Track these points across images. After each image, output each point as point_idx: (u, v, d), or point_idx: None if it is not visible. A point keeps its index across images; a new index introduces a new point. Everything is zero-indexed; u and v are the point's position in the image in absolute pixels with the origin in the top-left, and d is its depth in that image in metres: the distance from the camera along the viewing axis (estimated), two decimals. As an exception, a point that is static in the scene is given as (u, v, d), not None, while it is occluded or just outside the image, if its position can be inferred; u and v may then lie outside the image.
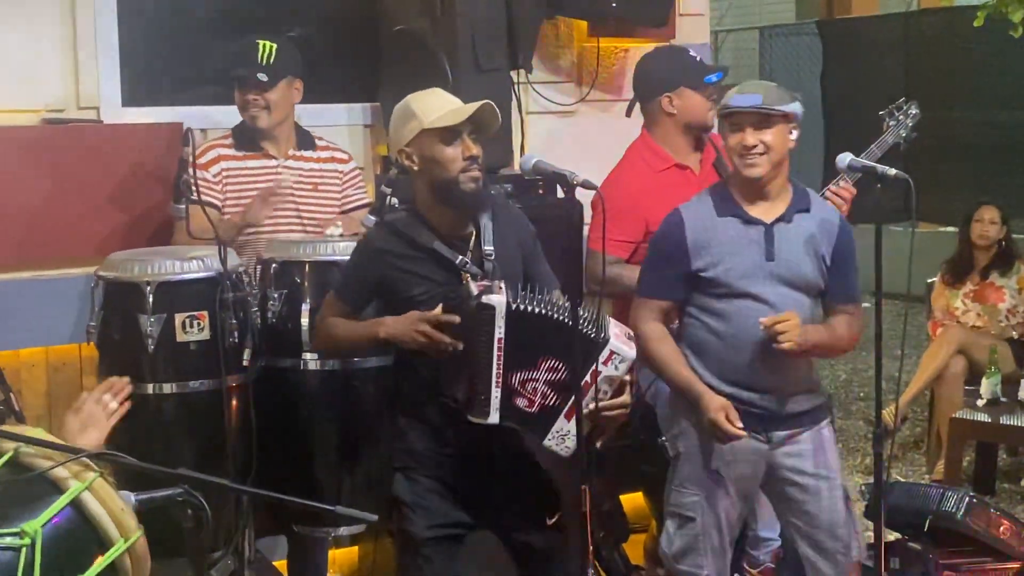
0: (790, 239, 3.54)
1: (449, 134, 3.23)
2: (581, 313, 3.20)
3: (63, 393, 4.14)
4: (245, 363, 3.61)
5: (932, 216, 9.17)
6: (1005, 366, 5.98)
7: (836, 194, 4.03)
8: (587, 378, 3.19)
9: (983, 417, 5.71)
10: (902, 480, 5.82)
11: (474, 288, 3.17)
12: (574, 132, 5.17)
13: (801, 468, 3.62)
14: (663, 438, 3.72)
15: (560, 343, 3.17)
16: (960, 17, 10.07)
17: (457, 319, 3.15)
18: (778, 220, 3.55)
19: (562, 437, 3.21)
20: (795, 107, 3.51)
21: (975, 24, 7.97)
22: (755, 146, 3.46)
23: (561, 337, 3.16)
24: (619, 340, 3.23)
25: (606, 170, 4.21)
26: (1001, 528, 4.40)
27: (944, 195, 8.73)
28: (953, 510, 4.36)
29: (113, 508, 2.34)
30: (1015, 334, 6.26)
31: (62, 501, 2.29)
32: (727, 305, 3.53)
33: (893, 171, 3.46)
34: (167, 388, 3.56)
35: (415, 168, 3.28)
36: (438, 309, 3.19)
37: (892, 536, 4.38)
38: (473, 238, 3.33)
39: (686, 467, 3.64)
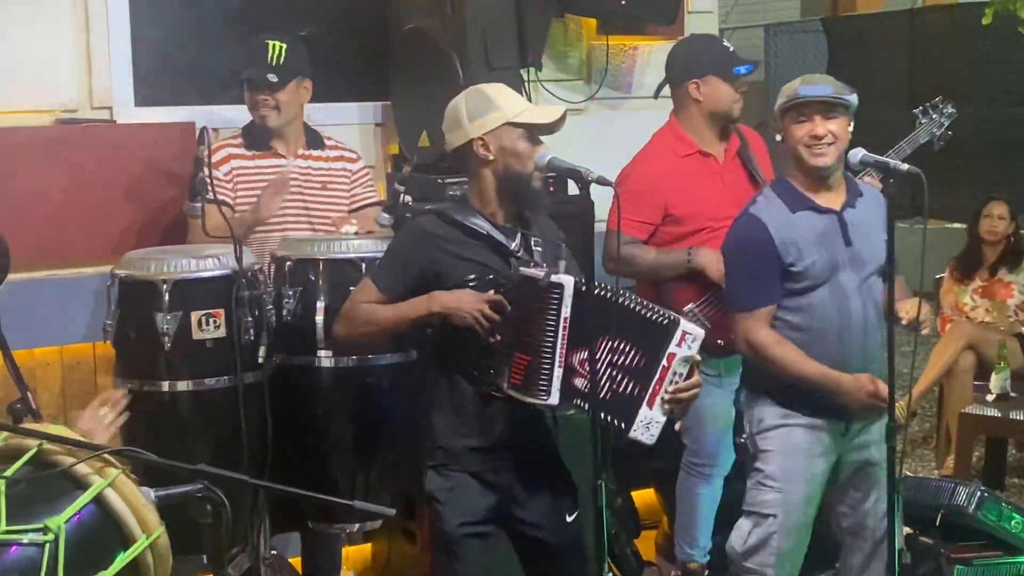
0: (859, 224, 3.59)
1: (531, 132, 3.31)
2: (628, 292, 3.24)
3: (78, 392, 4.16)
4: (260, 360, 3.62)
5: (940, 212, 9.16)
6: (1014, 361, 5.98)
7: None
8: (663, 362, 3.18)
9: (993, 412, 5.72)
10: (911, 475, 5.83)
11: (536, 271, 3.20)
12: (583, 129, 5.16)
13: (868, 458, 3.65)
14: (743, 436, 3.71)
15: (623, 326, 3.17)
16: (965, 13, 10.06)
17: (508, 305, 3.19)
18: (845, 207, 3.60)
19: (647, 426, 3.20)
20: (855, 99, 3.58)
21: (983, 21, 7.97)
22: (824, 136, 3.50)
23: (624, 320, 3.17)
24: (687, 320, 3.24)
25: (615, 167, 4.22)
26: (1012, 522, 4.41)
27: (952, 191, 8.73)
28: (964, 504, 4.37)
29: (135, 504, 2.35)
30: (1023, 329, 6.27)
31: (85, 497, 2.31)
32: (807, 299, 3.56)
33: (905, 166, 3.47)
34: (183, 386, 3.58)
35: (488, 157, 3.30)
36: (490, 292, 3.23)
37: (904, 530, 4.38)
38: (520, 228, 3.37)
39: (769, 464, 3.64)
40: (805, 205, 3.58)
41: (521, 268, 3.26)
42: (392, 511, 2.63)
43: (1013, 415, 5.66)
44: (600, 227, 4.08)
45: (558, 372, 3.16)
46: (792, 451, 3.61)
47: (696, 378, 3.26)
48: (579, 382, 3.19)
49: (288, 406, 3.73)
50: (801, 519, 3.65)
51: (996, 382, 5.77)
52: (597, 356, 3.14)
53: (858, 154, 3.53)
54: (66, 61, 4.27)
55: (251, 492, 3.61)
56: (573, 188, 4.64)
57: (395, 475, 3.91)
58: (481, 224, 3.32)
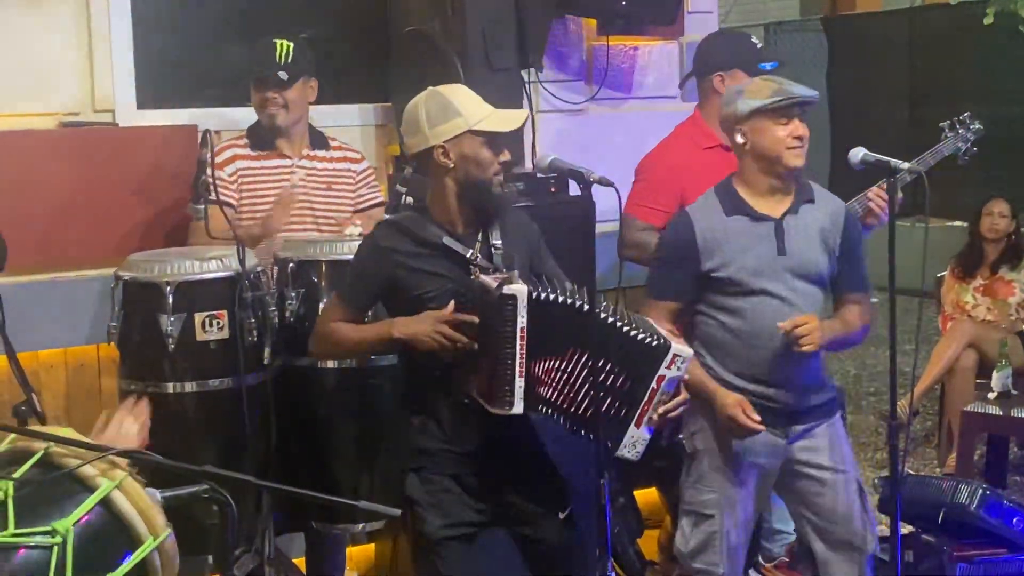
0: (799, 232, 3.56)
1: (493, 138, 3.26)
2: (606, 305, 3.21)
3: (81, 394, 4.17)
4: (264, 362, 3.63)
5: (941, 211, 9.18)
6: (1016, 359, 5.99)
7: (878, 195, 4.00)
8: (653, 384, 3.17)
9: (994, 410, 5.72)
10: (913, 474, 5.84)
11: (491, 280, 3.17)
12: (584, 130, 5.19)
13: (817, 462, 3.64)
14: (681, 435, 3.73)
15: (602, 342, 3.15)
16: (965, 12, 10.07)
17: (475, 319, 3.15)
18: (786, 213, 3.57)
19: (634, 444, 3.21)
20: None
21: (985, 22, 7.99)
22: (804, 136, 3.50)
23: (603, 336, 3.15)
24: (677, 342, 3.22)
25: (616, 167, 4.23)
26: (1014, 520, 4.42)
27: (953, 190, 8.74)
28: (967, 502, 4.38)
29: (143, 506, 2.36)
30: (1025, 327, 6.29)
31: (92, 499, 2.31)
32: (742, 302, 3.54)
33: (906, 164, 3.48)
34: (187, 387, 3.59)
35: (449, 165, 3.25)
36: (450, 307, 3.18)
37: (906, 529, 4.40)
38: (480, 235, 3.33)
39: (704, 464, 3.65)
40: (741, 211, 3.56)
41: (478, 277, 3.22)
42: (397, 512, 2.63)
43: (1015, 413, 5.67)
44: (601, 228, 4.09)
45: (519, 382, 3.12)
46: (726, 453, 3.60)
47: (682, 395, 3.26)
48: (544, 391, 3.18)
49: (291, 407, 3.74)
50: (742, 516, 3.65)
51: (997, 380, 5.77)
52: (569, 369, 3.14)
53: (859, 153, 3.53)
54: (68, 64, 4.28)
55: (256, 493, 3.62)
56: (575, 188, 4.64)
57: (398, 475, 3.91)
58: (436, 233, 3.27)
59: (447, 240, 3.26)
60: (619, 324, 3.18)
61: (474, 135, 3.23)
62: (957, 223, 8.64)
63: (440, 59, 4.42)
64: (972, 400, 5.90)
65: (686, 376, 3.24)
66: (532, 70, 4.86)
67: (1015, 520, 4.39)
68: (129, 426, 2.79)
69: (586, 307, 3.15)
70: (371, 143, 4.87)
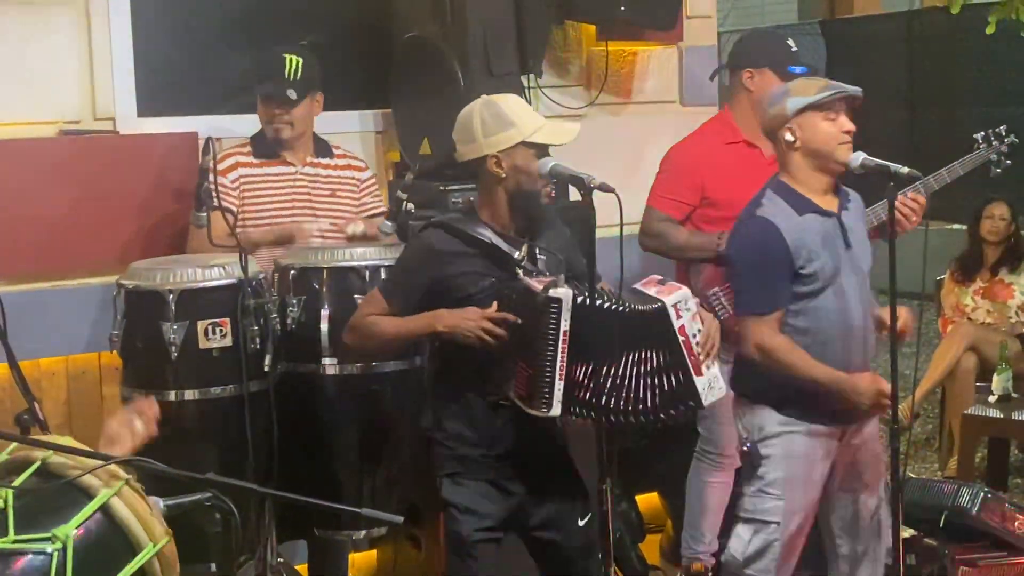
0: (853, 227, 3.62)
1: (544, 150, 3.33)
2: (605, 295, 3.27)
3: (83, 402, 4.18)
4: (266, 369, 3.64)
5: (940, 213, 9.17)
6: (1016, 362, 5.99)
7: (904, 204, 3.97)
8: (681, 338, 3.25)
9: (995, 413, 5.73)
10: (914, 477, 5.84)
11: (536, 283, 3.22)
12: (584, 136, 5.14)
13: (856, 460, 3.67)
14: (746, 444, 3.71)
15: (632, 334, 3.23)
16: (963, 14, 10.06)
17: (516, 319, 3.21)
18: (841, 209, 3.62)
19: (711, 387, 3.30)
20: None
21: (988, 31, 7.99)
22: (852, 131, 3.54)
23: (628, 328, 3.22)
24: (665, 294, 3.28)
25: (616, 172, 4.23)
26: (1016, 522, 4.42)
27: (952, 192, 8.73)
28: (968, 505, 4.38)
29: (142, 513, 2.37)
30: (1026, 330, 6.29)
31: (92, 506, 2.32)
32: (813, 302, 3.56)
33: (906, 169, 3.48)
34: (189, 395, 3.60)
35: (501, 175, 3.31)
36: (493, 306, 3.25)
37: (908, 532, 4.40)
38: (526, 240, 3.38)
39: (768, 471, 3.63)
40: (810, 208, 3.58)
41: (523, 279, 3.28)
42: (400, 519, 2.64)
43: (1015, 416, 5.67)
44: (601, 233, 4.10)
45: (559, 384, 3.18)
46: (793, 458, 3.61)
47: (708, 322, 3.32)
48: (582, 394, 3.23)
49: (293, 414, 3.74)
50: (801, 525, 3.66)
51: (998, 383, 5.78)
52: (613, 372, 3.20)
53: (859, 158, 3.54)
54: (68, 72, 4.28)
55: (258, 500, 3.62)
56: (575, 194, 4.64)
57: (400, 482, 3.93)
58: (485, 234, 3.33)
59: (496, 240, 3.32)
60: (623, 309, 3.25)
61: (527, 147, 3.30)
62: (956, 226, 8.63)
63: (440, 65, 4.42)
64: (973, 403, 5.91)
65: (694, 307, 3.29)
66: (532, 76, 4.86)
67: (1016, 523, 4.40)
68: (136, 423, 2.79)
69: (625, 310, 3.22)
70: (371, 149, 4.87)
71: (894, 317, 3.48)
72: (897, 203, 3.99)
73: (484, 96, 3.42)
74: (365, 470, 3.84)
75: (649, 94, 5.39)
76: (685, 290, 3.32)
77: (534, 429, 3.34)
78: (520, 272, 3.32)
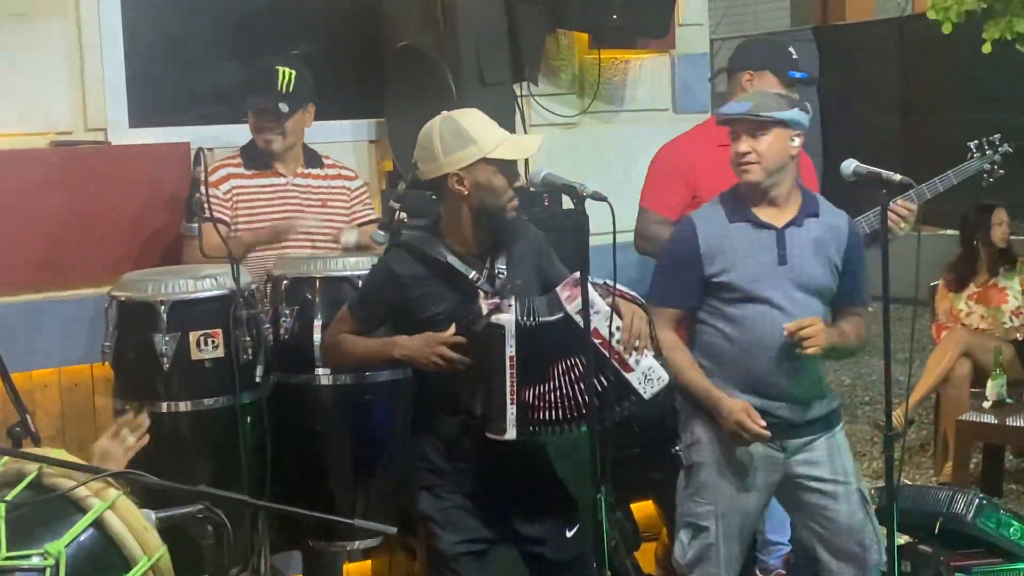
0: (802, 243, 3.57)
1: (507, 166, 3.30)
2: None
3: (76, 413, 4.17)
4: (259, 380, 3.63)
5: (932, 219, 9.18)
6: (1010, 368, 5.99)
7: (894, 210, 3.97)
8: (598, 340, 3.21)
9: (989, 419, 5.73)
10: (909, 484, 5.83)
11: (484, 307, 3.21)
12: (577, 144, 5.19)
13: (818, 475, 3.64)
14: (677, 447, 3.73)
15: (551, 345, 3.21)
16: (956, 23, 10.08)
17: (464, 340, 3.19)
18: (789, 224, 3.58)
19: (646, 379, 3.27)
20: (791, 114, 3.53)
21: (984, 50, 8.00)
22: (747, 153, 3.51)
23: (548, 340, 3.20)
24: (569, 301, 3.22)
25: (609, 180, 4.24)
26: (1011, 529, 4.42)
27: (944, 198, 8.74)
28: (963, 512, 4.38)
29: (136, 526, 2.36)
30: (1019, 335, 6.28)
31: (85, 521, 2.31)
32: (741, 311, 3.55)
33: (898, 176, 3.48)
34: (182, 406, 3.58)
35: (463, 192, 3.28)
36: (451, 330, 3.22)
37: (903, 539, 4.39)
38: (489, 259, 3.36)
39: (700, 477, 3.65)
40: (744, 217, 3.58)
41: (480, 302, 3.26)
42: (393, 529, 2.64)
43: (1010, 422, 5.67)
44: (594, 241, 4.10)
45: (511, 408, 3.19)
46: (722, 465, 3.61)
47: (629, 316, 3.27)
48: (538, 414, 3.23)
49: (287, 424, 3.74)
50: (738, 527, 3.66)
51: (992, 389, 5.78)
52: (556, 385, 3.20)
53: (850, 165, 3.54)
54: (60, 83, 4.28)
55: (251, 512, 3.62)
56: (568, 201, 4.64)
57: (395, 492, 3.91)
58: (443, 253, 3.31)
59: (452, 260, 3.30)
60: (531, 323, 3.21)
61: (488, 163, 3.26)
62: (948, 232, 8.64)
63: (433, 74, 4.42)
64: (967, 409, 5.91)
65: (606, 307, 3.24)
66: (524, 84, 4.86)
67: (1011, 529, 4.39)
68: (125, 435, 2.78)
69: (559, 314, 3.20)
70: (364, 159, 4.87)
71: (887, 322, 3.47)
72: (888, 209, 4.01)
73: (444, 112, 3.38)
74: (359, 480, 3.83)
75: (641, 102, 5.39)
76: (598, 298, 3.26)
77: (506, 445, 3.28)
78: (481, 294, 3.30)
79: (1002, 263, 6.44)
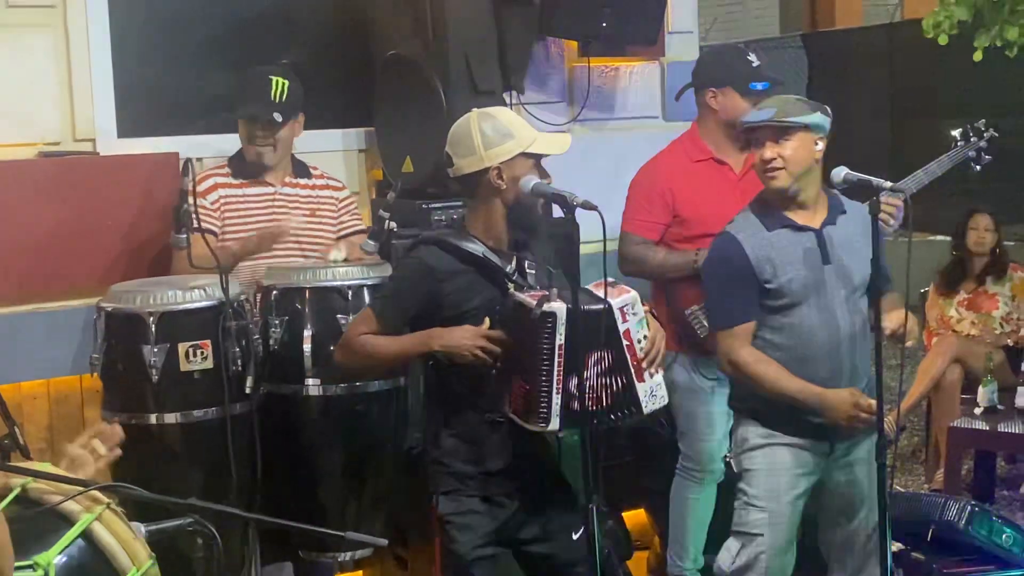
0: (841, 241, 3.59)
1: (539, 161, 3.35)
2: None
3: (65, 426, 4.14)
4: (248, 391, 3.62)
5: (922, 225, 9.19)
6: (1001, 374, 5.99)
7: (889, 203, 3.99)
8: (625, 341, 3.25)
9: (981, 425, 5.72)
10: (902, 490, 5.83)
11: (529, 298, 3.22)
12: (567, 151, 5.18)
13: (854, 478, 3.65)
14: (727, 455, 3.72)
15: (593, 335, 3.22)
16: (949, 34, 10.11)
17: (504, 336, 3.22)
18: (825, 224, 3.61)
19: (652, 395, 3.30)
20: (813, 118, 3.56)
21: (975, 58, 8.02)
22: (772, 159, 3.53)
23: (587, 329, 3.21)
24: (612, 296, 3.27)
25: (599, 188, 4.23)
26: (1003, 536, 4.42)
27: (934, 204, 8.75)
28: (955, 519, 4.38)
29: (124, 538, 2.35)
30: (1010, 341, 6.28)
31: (73, 532, 2.30)
32: (789, 317, 3.56)
33: (889, 184, 3.49)
34: (171, 418, 3.58)
35: (501, 186, 3.31)
36: (486, 323, 3.26)
37: (895, 546, 4.39)
38: (516, 253, 3.39)
39: (753, 484, 3.63)
40: (782, 223, 3.59)
41: (515, 294, 3.28)
42: (384, 541, 2.64)
43: (1001, 428, 5.67)
44: (585, 249, 4.10)
45: (556, 399, 3.18)
46: (776, 471, 3.61)
47: (655, 330, 3.33)
48: (572, 403, 3.21)
49: (277, 435, 3.73)
50: (787, 537, 3.66)
51: (983, 395, 5.77)
52: (587, 375, 3.19)
53: (841, 173, 3.54)
54: (47, 93, 4.26)
55: (242, 524, 3.60)
56: (558, 210, 4.64)
57: (386, 502, 3.91)
58: (477, 249, 3.33)
59: (488, 255, 3.33)
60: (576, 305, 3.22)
61: (525, 157, 3.31)
62: (939, 237, 8.65)
63: (422, 83, 4.41)
64: (958, 415, 5.91)
65: (643, 313, 3.30)
66: (514, 92, 4.86)
67: (1004, 536, 4.39)
68: (97, 445, 2.73)
69: (600, 305, 3.22)
70: (354, 168, 4.86)
71: (879, 327, 3.47)
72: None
73: (476, 109, 3.42)
74: (350, 491, 3.83)
75: (631, 110, 5.39)
76: (634, 294, 3.32)
77: (529, 445, 3.35)
78: (511, 287, 3.32)
79: (992, 269, 6.44)
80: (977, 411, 5.78)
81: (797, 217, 3.60)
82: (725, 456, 3.78)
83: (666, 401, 3.37)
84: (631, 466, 4.49)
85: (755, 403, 3.64)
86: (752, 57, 4.33)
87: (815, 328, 3.55)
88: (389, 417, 3.79)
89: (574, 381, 3.19)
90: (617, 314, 3.25)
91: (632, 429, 3.68)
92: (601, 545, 3.34)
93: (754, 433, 3.64)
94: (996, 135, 4.54)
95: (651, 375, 3.30)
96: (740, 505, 3.68)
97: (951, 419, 5.89)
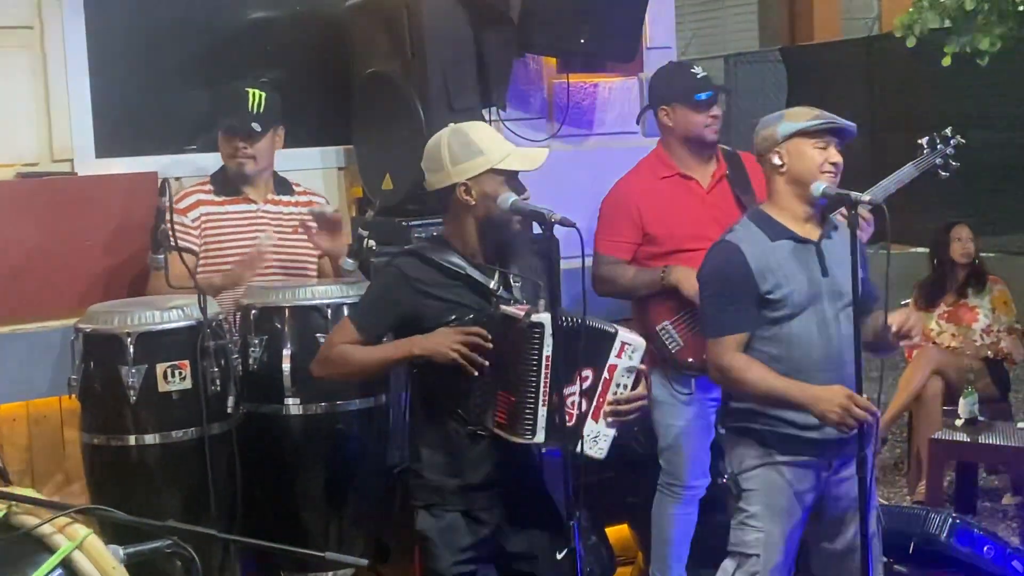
0: (834, 255, 3.60)
1: (512, 177, 3.33)
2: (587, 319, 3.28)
3: (44, 446, 4.12)
4: (228, 411, 3.61)
5: (902, 237, 9.23)
6: (981, 386, 6.01)
7: (846, 217, 4.01)
8: (605, 374, 3.25)
9: (962, 437, 5.73)
10: (885, 503, 5.84)
11: (516, 310, 3.22)
12: (546, 168, 5.11)
13: (848, 493, 3.62)
14: (725, 475, 3.70)
15: (587, 350, 3.24)
16: (922, 40, 10.17)
17: (489, 336, 3.21)
18: (822, 237, 3.63)
19: (594, 440, 3.28)
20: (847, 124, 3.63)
21: (943, 63, 8.07)
22: (838, 163, 3.56)
23: (587, 343, 3.23)
24: (626, 332, 3.29)
25: (578, 205, 4.25)
26: (985, 548, 4.42)
27: (912, 216, 8.80)
28: (937, 532, 4.38)
29: (105, 567, 2.33)
30: (990, 353, 6.30)
31: (53, 561, 2.29)
32: (787, 329, 3.55)
33: (867, 197, 3.51)
34: (149, 439, 3.56)
35: (470, 202, 3.30)
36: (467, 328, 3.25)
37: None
38: (498, 267, 3.38)
39: (751, 503, 3.61)
40: (785, 235, 3.59)
41: (502, 307, 3.28)
42: (364, 561, 2.62)
43: (982, 439, 5.68)
44: (564, 265, 4.10)
45: (543, 411, 3.18)
46: (774, 491, 3.59)
47: (641, 390, 3.33)
48: (560, 417, 3.21)
49: (257, 455, 3.72)
50: (783, 557, 3.64)
51: (964, 407, 5.79)
52: (572, 388, 3.20)
53: (820, 187, 3.55)
54: (25, 114, 4.25)
55: (221, 545, 3.58)
56: (537, 227, 4.64)
57: (367, 521, 3.90)
58: (459, 263, 3.33)
59: (471, 271, 3.32)
60: (593, 324, 3.27)
61: (495, 174, 3.30)
62: (918, 249, 8.69)
63: (401, 101, 4.41)
64: (939, 427, 5.92)
65: (642, 367, 3.31)
66: (493, 109, 4.86)
67: (986, 548, 4.40)
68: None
69: (608, 329, 3.24)
70: (333, 186, 4.85)
71: (858, 340, 3.47)
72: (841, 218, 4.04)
73: (452, 124, 3.42)
74: (331, 510, 3.82)
75: (610, 126, 5.40)
76: (642, 343, 3.33)
77: (513, 460, 3.33)
78: (496, 301, 3.32)
79: (972, 281, 6.46)
80: (958, 423, 5.79)
81: (799, 229, 3.61)
82: (722, 477, 3.76)
83: (602, 456, 3.32)
84: (613, 481, 4.48)
85: (752, 422, 3.63)
86: (696, 69, 4.41)
87: (813, 340, 3.55)
88: (370, 436, 3.78)
89: (562, 394, 3.18)
90: (617, 344, 3.26)
91: (614, 445, 3.66)
92: (584, 562, 3.34)
93: (751, 453, 3.62)
94: (963, 142, 4.56)
95: (607, 422, 3.29)
96: (736, 524, 3.66)
97: (932, 431, 5.91)
